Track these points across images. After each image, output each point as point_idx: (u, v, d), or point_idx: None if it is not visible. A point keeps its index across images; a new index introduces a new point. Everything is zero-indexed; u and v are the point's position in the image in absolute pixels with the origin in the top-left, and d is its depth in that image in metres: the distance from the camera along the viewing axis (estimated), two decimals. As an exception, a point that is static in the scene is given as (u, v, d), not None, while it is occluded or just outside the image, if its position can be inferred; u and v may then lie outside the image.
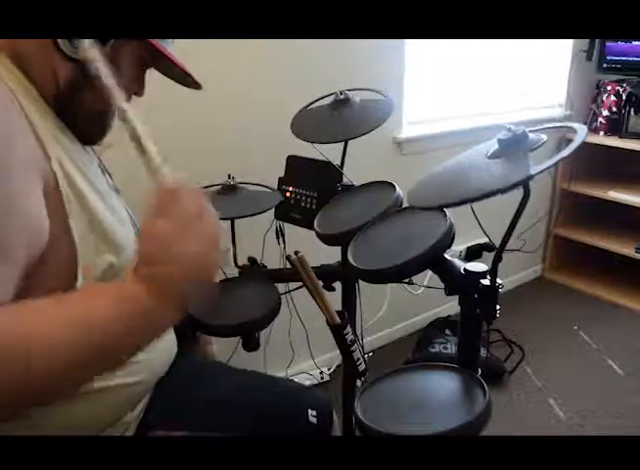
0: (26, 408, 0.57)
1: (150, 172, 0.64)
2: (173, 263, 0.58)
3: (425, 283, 1.41)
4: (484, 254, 2.39)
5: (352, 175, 1.29)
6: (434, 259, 0.81)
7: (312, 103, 1.36)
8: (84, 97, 0.73)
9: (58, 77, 0.71)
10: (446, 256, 0.83)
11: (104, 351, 0.56)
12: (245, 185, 1.28)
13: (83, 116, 0.75)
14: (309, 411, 0.98)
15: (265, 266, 1.25)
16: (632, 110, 2.54)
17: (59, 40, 0.68)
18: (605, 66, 2.59)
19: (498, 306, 0.78)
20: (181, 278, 0.58)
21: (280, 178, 1.39)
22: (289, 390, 1.06)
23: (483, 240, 2.34)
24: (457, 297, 0.82)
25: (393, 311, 2.23)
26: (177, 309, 0.59)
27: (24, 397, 0.53)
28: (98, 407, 0.77)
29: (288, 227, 1.42)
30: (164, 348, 0.91)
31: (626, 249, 2.60)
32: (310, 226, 1.14)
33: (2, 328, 0.51)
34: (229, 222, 1.24)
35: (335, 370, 2.14)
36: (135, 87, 0.82)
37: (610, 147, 2.57)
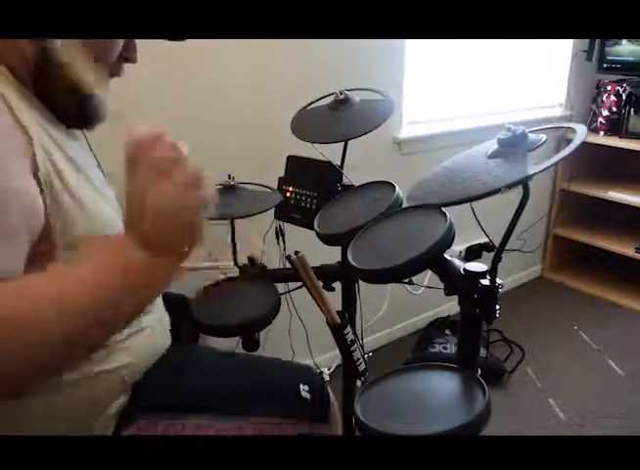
0: (49, 370, 0.58)
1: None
2: (153, 219, 0.57)
3: (425, 283, 1.41)
4: (484, 254, 2.39)
5: (352, 175, 1.29)
6: (433, 260, 0.81)
7: (312, 103, 1.36)
8: (53, 77, 0.72)
9: (28, 59, 0.70)
10: (446, 256, 0.83)
11: (110, 310, 0.57)
12: (245, 185, 1.28)
13: (59, 97, 0.74)
14: (301, 386, 0.97)
15: (265, 266, 1.25)
16: (632, 110, 2.54)
17: None
18: (605, 66, 2.59)
19: (498, 306, 0.78)
20: (165, 229, 0.58)
21: (280, 178, 1.39)
22: (277, 367, 1.05)
23: (483, 240, 2.34)
24: (457, 297, 0.82)
25: (393, 311, 2.23)
26: (176, 259, 0.60)
27: (45, 356, 0.53)
28: (84, 395, 0.78)
29: (288, 227, 1.42)
30: (154, 338, 0.91)
31: (626, 249, 2.60)
32: (310, 226, 1.14)
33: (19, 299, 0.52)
34: (229, 222, 1.24)
35: (335, 370, 2.14)
36: (126, 54, 0.79)
37: (610, 147, 2.57)
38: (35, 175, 0.65)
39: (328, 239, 1.09)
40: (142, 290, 0.60)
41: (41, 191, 0.65)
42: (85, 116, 0.78)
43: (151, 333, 0.90)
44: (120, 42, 0.78)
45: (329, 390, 1.04)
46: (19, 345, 0.51)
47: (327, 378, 2.09)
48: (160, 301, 0.98)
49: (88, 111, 0.77)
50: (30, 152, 0.65)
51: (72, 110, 0.76)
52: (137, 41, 0.82)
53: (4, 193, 0.59)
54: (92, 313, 0.55)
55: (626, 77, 2.60)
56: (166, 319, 0.98)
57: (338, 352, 0.94)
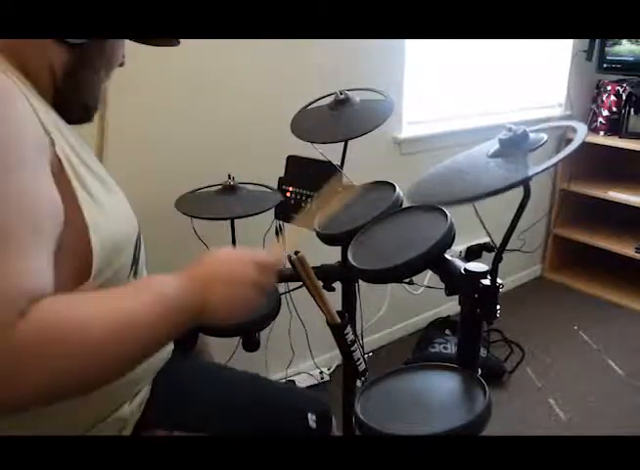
0: (73, 393, 0.59)
1: None
2: (233, 294, 0.68)
3: (425, 283, 1.41)
4: (484, 254, 2.39)
5: (352, 175, 1.29)
6: (434, 260, 0.81)
7: (312, 103, 1.36)
8: (80, 79, 0.75)
9: (54, 69, 0.73)
10: (446, 256, 0.83)
11: (147, 346, 0.62)
12: (245, 185, 1.28)
13: (77, 99, 0.77)
14: (309, 416, 0.97)
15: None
16: (632, 110, 2.54)
17: None
18: (605, 66, 2.59)
19: (498, 306, 0.78)
20: (231, 307, 0.68)
21: (280, 178, 1.39)
22: (289, 394, 1.05)
23: (483, 240, 2.34)
24: (457, 297, 0.82)
25: (393, 311, 2.23)
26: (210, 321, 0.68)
27: (74, 380, 0.56)
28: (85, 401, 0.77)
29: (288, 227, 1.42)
30: None
31: (626, 249, 2.60)
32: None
33: (63, 316, 0.55)
34: (229, 222, 1.24)
35: (335, 370, 2.14)
36: (119, 59, 0.83)
37: (610, 147, 2.57)
38: (54, 176, 0.66)
39: (328, 239, 1.09)
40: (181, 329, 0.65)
41: (60, 192, 0.66)
42: (91, 114, 0.82)
43: None
44: (124, 45, 0.81)
45: (333, 417, 1.04)
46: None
47: (327, 378, 2.09)
48: None
49: (94, 109, 0.82)
50: (53, 153, 0.66)
51: (83, 109, 0.80)
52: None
53: (36, 197, 0.60)
54: (144, 343, 0.61)
55: (626, 77, 2.60)
56: None
57: (338, 352, 0.94)
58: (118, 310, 0.59)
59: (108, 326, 0.57)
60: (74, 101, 0.76)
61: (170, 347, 0.95)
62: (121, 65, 0.84)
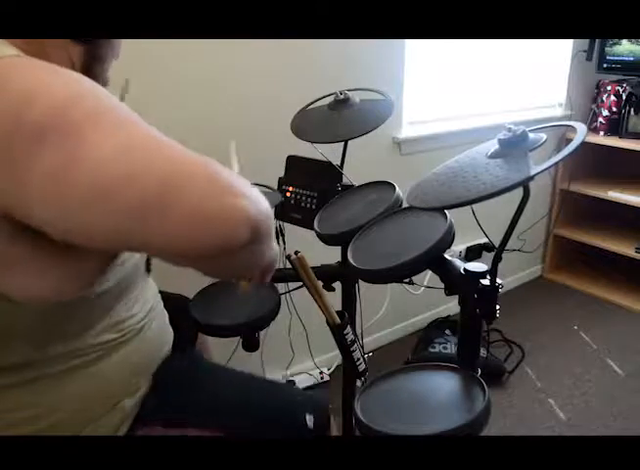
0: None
1: None
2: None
3: (425, 283, 1.41)
4: (484, 254, 2.40)
5: (352, 175, 1.29)
6: (433, 260, 0.81)
7: (312, 103, 1.36)
8: (94, 73, 0.78)
9: (74, 65, 0.75)
10: (446, 256, 0.83)
11: None
12: (244, 185, 1.27)
13: None
14: (307, 417, 0.97)
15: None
16: (632, 110, 2.54)
17: None
18: (605, 66, 2.59)
19: (498, 306, 0.78)
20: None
21: (280, 178, 1.39)
22: (287, 395, 1.05)
23: (483, 240, 2.34)
24: (457, 297, 0.82)
25: (393, 311, 2.23)
26: None
27: None
28: (94, 385, 0.80)
29: (288, 227, 1.42)
30: (157, 332, 0.92)
31: (626, 249, 2.60)
32: (310, 226, 1.14)
33: None
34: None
35: (335, 370, 2.14)
36: (119, 49, 0.85)
37: (610, 147, 2.57)
38: None
39: (328, 239, 1.09)
40: None
41: None
42: None
43: (154, 333, 0.90)
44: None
45: (332, 419, 1.03)
46: None
47: (327, 378, 2.10)
48: (159, 300, 0.98)
49: None
50: None
51: None
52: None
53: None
54: None
55: (626, 77, 2.60)
56: (167, 318, 0.98)
57: (338, 352, 0.94)
58: None
59: None
60: None
61: (169, 344, 0.96)
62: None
